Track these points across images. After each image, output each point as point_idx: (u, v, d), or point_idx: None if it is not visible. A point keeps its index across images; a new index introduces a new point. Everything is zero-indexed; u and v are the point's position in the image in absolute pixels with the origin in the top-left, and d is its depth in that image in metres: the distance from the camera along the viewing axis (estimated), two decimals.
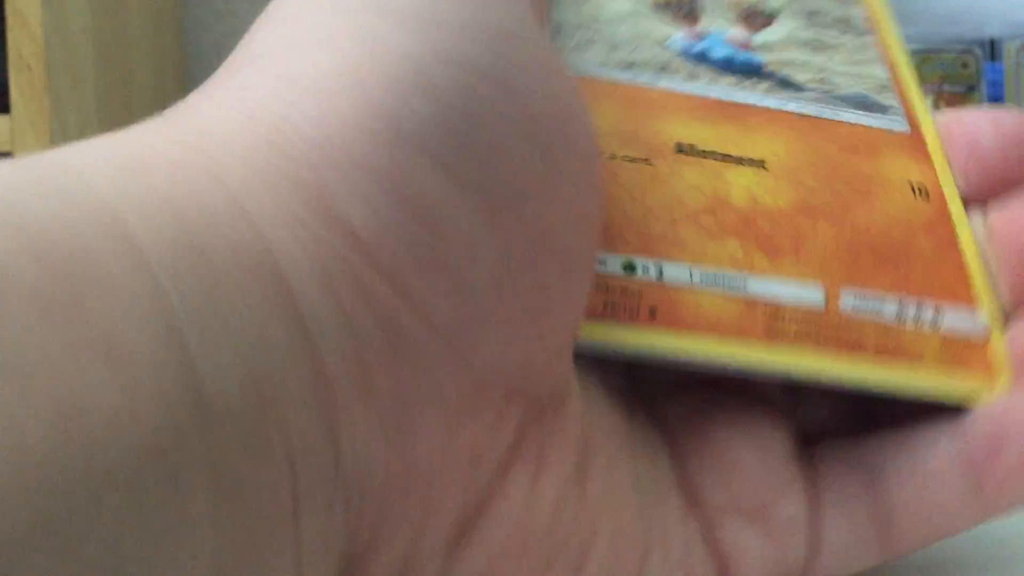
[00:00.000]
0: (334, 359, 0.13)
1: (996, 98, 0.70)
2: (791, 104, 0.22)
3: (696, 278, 0.19)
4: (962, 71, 0.68)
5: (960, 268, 0.21)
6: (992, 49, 0.70)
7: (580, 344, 0.17)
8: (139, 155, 0.13)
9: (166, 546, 0.11)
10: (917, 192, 0.22)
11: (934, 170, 0.22)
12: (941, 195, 0.22)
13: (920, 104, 0.23)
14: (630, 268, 0.19)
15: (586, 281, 0.16)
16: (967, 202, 0.22)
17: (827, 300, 0.19)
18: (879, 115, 0.23)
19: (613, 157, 0.20)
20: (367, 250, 0.13)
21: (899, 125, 0.23)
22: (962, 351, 0.20)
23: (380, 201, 0.13)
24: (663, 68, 0.22)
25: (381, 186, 0.13)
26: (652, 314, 0.19)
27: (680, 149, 0.21)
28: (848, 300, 0.19)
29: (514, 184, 0.15)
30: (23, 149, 0.50)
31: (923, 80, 0.65)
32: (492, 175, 0.14)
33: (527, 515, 0.15)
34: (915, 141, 0.22)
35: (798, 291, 0.19)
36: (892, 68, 0.24)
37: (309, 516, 0.12)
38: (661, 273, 0.19)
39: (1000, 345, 0.20)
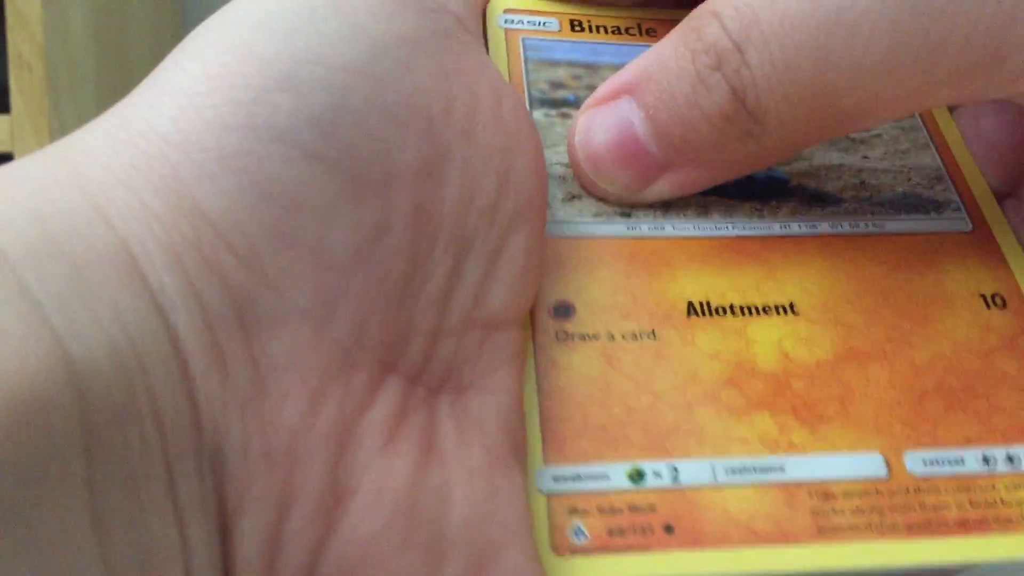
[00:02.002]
0: (186, 332, 0.14)
1: None
2: (823, 225, 0.19)
3: (721, 474, 0.16)
4: None
5: None
6: None
7: None
8: (10, 177, 0.14)
9: (45, 502, 0.11)
10: (991, 302, 0.18)
11: (1010, 270, 0.19)
12: (1023, 299, 0.19)
13: (983, 190, 0.20)
14: (638, 476, 0.16)
15: (479, 264, 0.16)
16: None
17: (889, 468, 0.16)
18: (934, 215, 0.20)
19: (611, 337, 0.17)
20: (218, 230, 0.14)
21: (960, 223, 0.20)
22: None
23: (230, 184, 0.14)
24: (667, 209, 0.19)
25: (232, 171, 0.14)
26: (669, 531, 0.15)
27: (692, 311, 0.18)
28: (916, 463, 0.16)
29: (382, 169, 0.15)
30: (23, 149, 0.50)
31: None
32: (357, 160, 0.15)
33: (411, 496, 0.15)
34: (981, 238, 0.19)
35: (852, 464, 0.16)
36: (944, 151, 0.21)
37: (183, 480, 0.13)
38: (677, 476, 0.16)
39: None
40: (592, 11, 0.22)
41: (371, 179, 0.15)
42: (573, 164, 0.20)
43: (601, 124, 0.19)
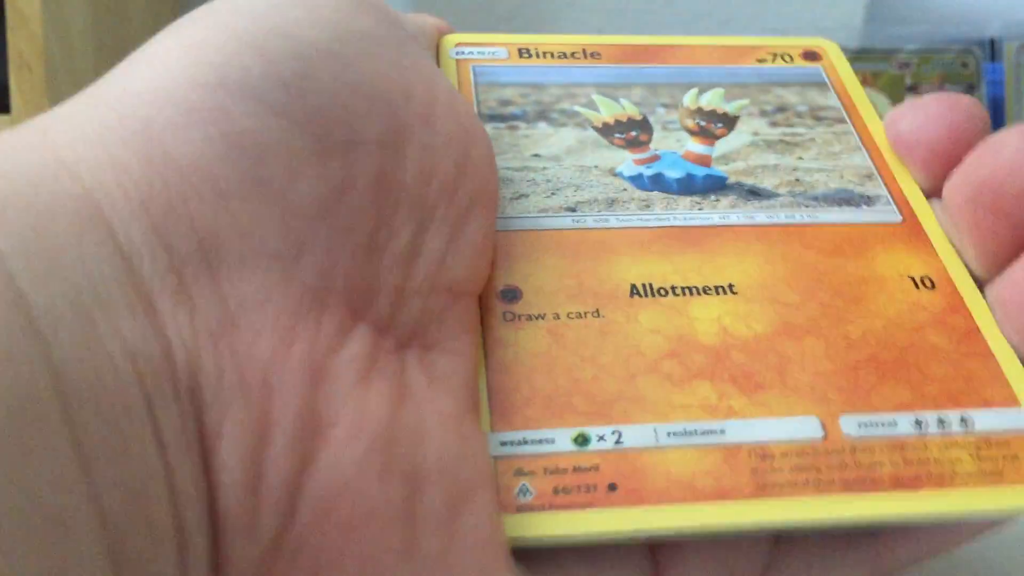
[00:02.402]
0: (151, 276, 0.14)
1: (996, 98, 0.70)
2: (760, 216, 0.20)
3: (663, 437, 0.17)
4: (962, 71, 0.68)
5: (985, 358, 0.18)
6: (992, 49, 0.70)
7: (523, 542, 0.16)
8: None
9: (27, 444, 0.12)
10: (920, 284, 0.19)
11: (938, 257, 0.20)
12: (950, 282, 0.19)
13: (911, 187, 0.21)
14: (583, 440, 0.17)
15: (440, 235, 0.17)
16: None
17: (826, 431, 0.17)
18: (866, 208, 0.21)
19: (557, 317, 0.18)
20: (187, 177, 0.15)
21: (890, 215, 0.20)
22: (1003, 459, 0.17)
23: (201, 134, 0.15)
24: (611, 203, 0.20)
25: (203, 123, 0.15)
26: (612, 489, 0.16)
27: (634, 292, 0.18)
28: (851, 426, 0.17)
29: (346, 133, 0.16)
30: None
31: (923, 80, 0.65)
32: (324, 123, 0.16)
33: (388, 430, 0.15)
34: (911, 229, 0.20)
35: (789, 427, 0.17)
36: (875, 154, 0.22)
37: (162, 410, 0.14)
38: (620, 439, 0.17)
39: None
40: (539, 40, 0.24)
41: (336, 140, 0.16)
42: None
43: None
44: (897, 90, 0.63)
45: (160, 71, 0.16)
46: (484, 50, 0.24)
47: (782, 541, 0.19)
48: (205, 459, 0.14)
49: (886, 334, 0.18)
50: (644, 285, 0.19)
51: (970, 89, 0.71)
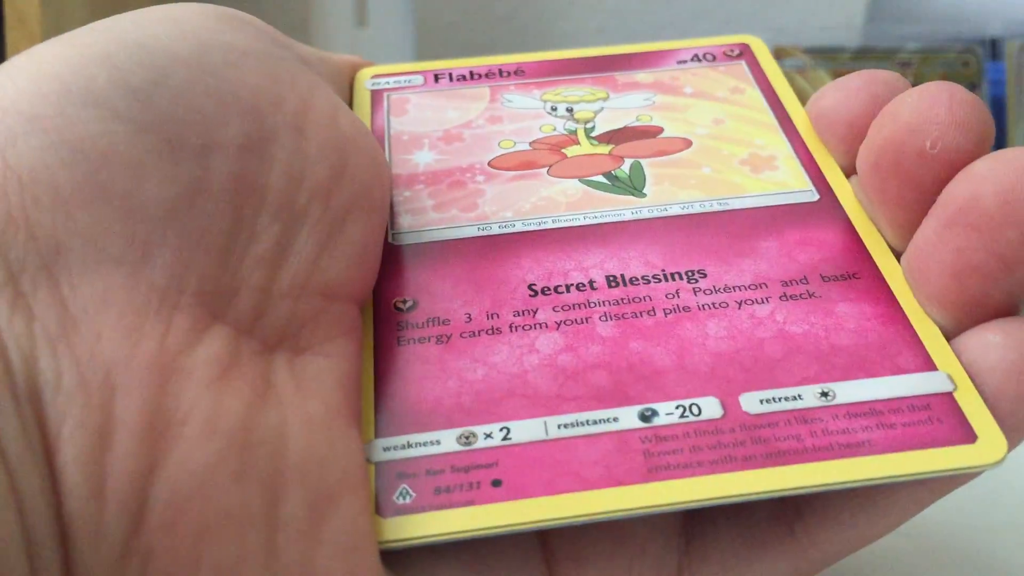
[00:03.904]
0: None
1: (998, 97, 0.69)
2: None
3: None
4: (963, 70, 0.67)
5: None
6: (993, 48, 0.70)
7: (395, 544, 0.15)
8: None
9: None
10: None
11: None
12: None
13: (830, 166, 0.21)
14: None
15: (312, 238, 0.17)
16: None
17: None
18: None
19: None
20: (25, 185, 0.15)
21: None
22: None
23: (40, 142, 0.15)
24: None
25: (43, 131, 0.15)
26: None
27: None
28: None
29: (200, 137, 0.16)
30: None
31: (924, 79, 0.65)
32: (175, 127, 0.16)
33: (245, 430, 0.15)
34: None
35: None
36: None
37: (2, 416, 0.13)
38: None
39: (972, 397, 0.16)
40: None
41: (188, 144, 0.16)
42: None
43: None
44: None
45: (3, 81, 0.16)
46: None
47: (694, 543, 0.18)
48: (48, 464, 0.14)
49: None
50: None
51: (972, 88, 0.71)
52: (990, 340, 0.17)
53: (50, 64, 0.16)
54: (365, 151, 0.18)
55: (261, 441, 0.15)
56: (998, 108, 0.72)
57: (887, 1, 0.69)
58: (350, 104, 0.23)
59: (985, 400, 0.16)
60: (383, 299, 0.19)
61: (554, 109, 0.23)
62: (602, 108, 0.23)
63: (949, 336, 0.18)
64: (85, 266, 0.15)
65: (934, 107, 0.18)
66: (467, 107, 0.23)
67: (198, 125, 0.16)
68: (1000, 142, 0.64)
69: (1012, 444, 0.16)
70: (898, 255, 0.19)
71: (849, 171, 0.21)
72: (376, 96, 0.24)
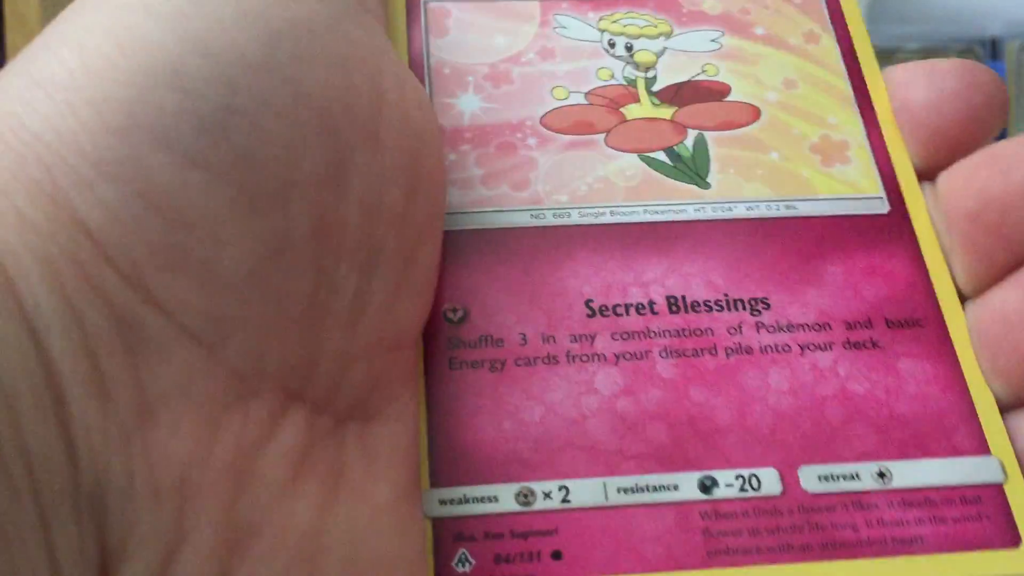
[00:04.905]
0: (61, 355, 0.12)
1: None
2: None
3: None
4: None
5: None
6: (993, 48, 0.70)
7: None
8: None
9: None
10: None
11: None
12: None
13: (905, 168, 0.19)
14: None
15: (388, 279, 0.15)
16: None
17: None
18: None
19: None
20: (99, 246, 0.13)
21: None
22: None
23: (111, 194, 0.13)
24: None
25: (113, 179, 0.13)
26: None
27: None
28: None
29: (279, 175, 0.14)
30: None
31: None
32: (251, 168, 0.13)
33: (317, 537, 0.13)
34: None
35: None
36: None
37: (59, 528, 0.12)
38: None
39: (1021, 492, 0.16)
40: None
41: (267, 190, 0.14)
42: None
43: None
44: None
45: (61, 105, 0.13)
46: None
47: None
48: None
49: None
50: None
51: None
52: None
53: (111, 81, 0.13)
54: (433, 150, 0.16)
55: (332, 548, 0.13)
56: None
57: (887, 1, 0.69)
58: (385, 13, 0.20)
59: None
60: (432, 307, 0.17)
61: (612, 44, 0.20)
62: (664, 49, 0.20)
63: (1003, 408, 0.17)
64: (161, 344, 0.13)
65: None
66: (516, 30, 0.20)
67: (274, 161, 0.14)
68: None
69: None
70: (962, 297, 0.18)
71: (923, 174, 0.19)
72: (412, 5, 0.20)
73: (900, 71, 0.19)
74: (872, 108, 0.20)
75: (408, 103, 0.16)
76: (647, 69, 0.20)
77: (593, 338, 0.17)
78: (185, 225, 0.13)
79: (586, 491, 0.15)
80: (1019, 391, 0.17)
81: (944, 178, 0.18)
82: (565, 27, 0.21)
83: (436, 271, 0.16)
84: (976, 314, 0.17)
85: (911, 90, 0.19)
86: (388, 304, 0.15)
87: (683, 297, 0.17)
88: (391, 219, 0.15)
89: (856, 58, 0.21)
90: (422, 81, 0.19)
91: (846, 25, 0.21)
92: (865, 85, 0.20)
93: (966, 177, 0.18)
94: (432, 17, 0.20)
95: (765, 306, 0.17)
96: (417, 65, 0.20)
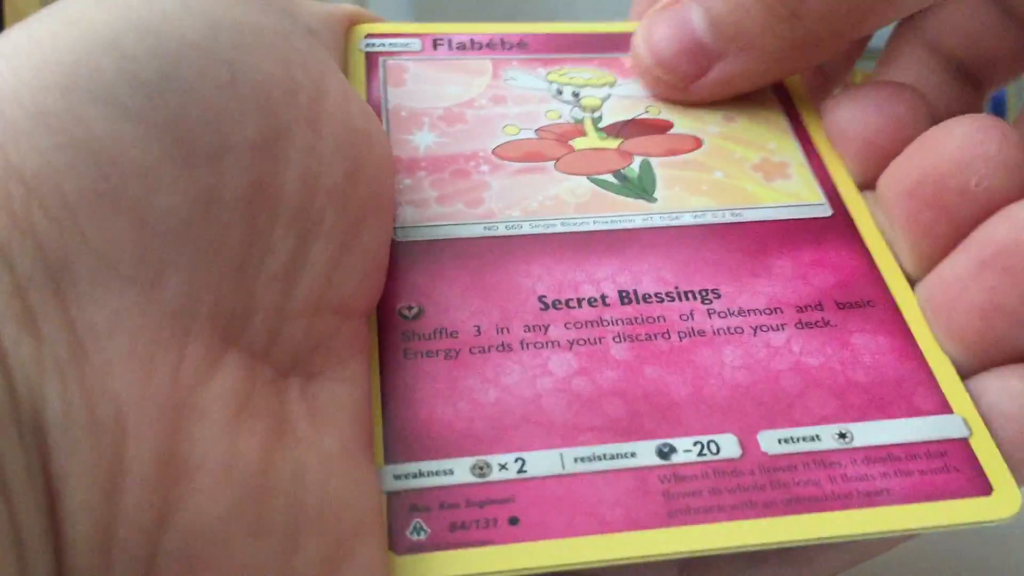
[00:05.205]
0: None
1: (997, 97, 0.69)
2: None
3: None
4: None
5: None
6: None
7: None
8: None
9: None
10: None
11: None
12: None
13: (844, 179, 0.20)
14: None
15: (327, 248, 0.16)
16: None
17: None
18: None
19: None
20: (32, 189, 0.13)
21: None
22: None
23: (46, 142, 0.14)
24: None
25: (49, 129, 0.14)
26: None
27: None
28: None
29: (215, 138, 0.15)
30: None
31: None
32: (188, 127, 0.14)
33: (263, 475, 0.13)
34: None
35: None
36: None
37: (7, 451, 0.12)
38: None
39: (988, 445, 0.16)
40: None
41: (202, 147, 0.14)
42: (634, 58, 0.21)
43: (663, 20, 0.21)
44: None
45: (3, 69, 0.14)
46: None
47: (695, 560, 0.17)
48: (51, 509, 0.12)
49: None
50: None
51: None
52: (1013, 387, 0.16)
53: (53, 50, 0.14)
54: (377, 145, 0.17)
55: (278, 487, 0.13)
56: (998, 107, 0.72)
57: None
58: (343, 67, 0.21)
59: (1000, 448, 0.16)
60: (386, 304, 0.17)
61: (560, 92, 0.22)
62: (609, 95, 0.22)
63: (964, 374, 0.17)
64: (94, 285, 0.13)
65: (985, 144, 0.17)
66: (469, 82, 0.22)
67: (211, 124, 0.15)
68: None
69: None
70: (912, 281, 0.19)
71: (862, 186, 0.20)
72: (371, 61, 0.22)
73: (829, 101, 0.21)
74: (808, 136, 0.21)
75: (351, 109, 0.17)
76: (593, 111, 0.21)
77: (547, 328, 0.17)
78: (119, 172, 0.14)
79: (542, 461, 0.15)
80: (976, 352, 0.17)
81: (883, 176, 0.19)
82: (515, 79, 0.22)
83: (383, 255, 0.17)
84: (927, 288, 0.18)
85: (839, 112, 0.20)
86: (327, 272, 0.16)
87: (634, 291, 0.18)
88: (331, 195, 0.16)
89: (791, 96, 0.22)
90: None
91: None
92: (800, 116, 0.22)
93: (902, 163, 0.18)
94: (390, 71, 0.22)
95: (716, 296, 0.18)
96: (376, 109, 0.21)
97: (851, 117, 0.20)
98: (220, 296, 0.14)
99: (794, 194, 0.20)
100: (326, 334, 0.16)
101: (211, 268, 0.14)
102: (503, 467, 0.15)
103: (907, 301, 0.18)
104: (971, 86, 0.24)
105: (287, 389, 0.15)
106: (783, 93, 0.22)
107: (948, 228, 0.18)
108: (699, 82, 0.21)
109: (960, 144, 0.18)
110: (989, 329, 0.17)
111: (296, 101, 0.16)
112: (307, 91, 0.16)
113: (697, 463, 0.15)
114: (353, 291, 0.16)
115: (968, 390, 0.17)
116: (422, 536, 0.15)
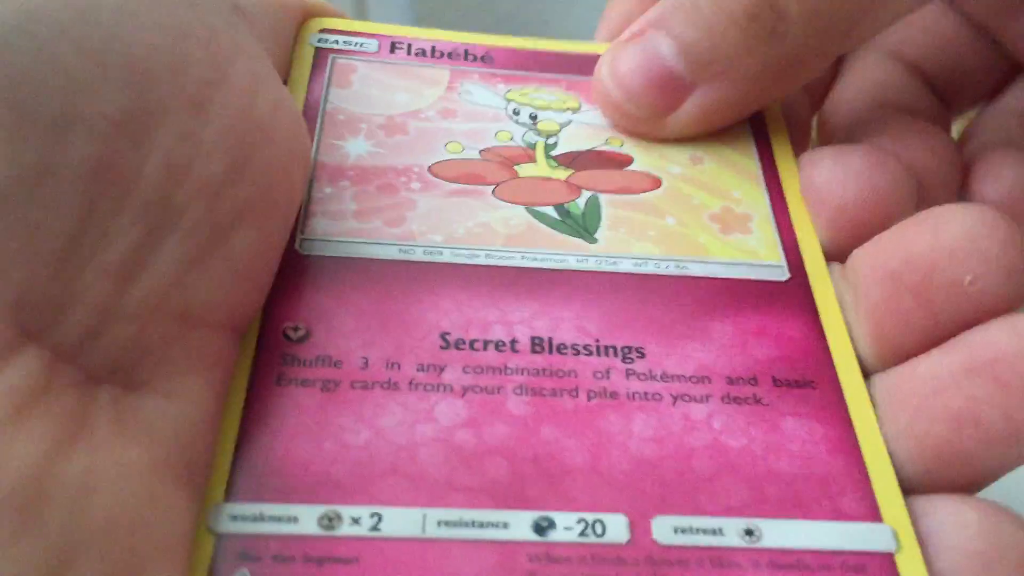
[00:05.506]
0: None
1: None
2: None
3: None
4: None
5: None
6: None
7: None
8: None
9: None
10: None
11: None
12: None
13: (810, 242, 0.18)
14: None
15: (184, 246, 0.14)
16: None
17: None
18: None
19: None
20: None
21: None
22: None
23: None
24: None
25: None
26: None
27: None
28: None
29: (60, 107, 0.13)
30: None
31: None
32: (30, 89, 0.13)
33: (37, 483, 0.12)
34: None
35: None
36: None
37: None
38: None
39: (915, 566, 0.14)
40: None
41: (41, 114, 0.13)
42: (598, 93, 0.20)
43: (629, 53, 0.19)
44: None
45: None
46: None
47: None
48: None
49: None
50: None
51: None
52: (965, 516, 0.14)
53: None
54: (278, 143, 0.15)
55: (55, 496, 0.12)
56: None
57: None
58: (288, 60, 0.20)
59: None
60: (273, 321, 0.16)
61: (516, 112, 0.20)
62: (570, 121, 0.20)
63: (908, 487, 0.15)
64: None
65: (988, 239, 0.16)
66: (420, 91, 0.20)
67: (61, 89, 0.13)
68: None
69: None
70: (866, 370, 0.17)
71: (830, 257, 0.18)
72: (320, 57, 0.20)
73: (808, 153, 0.19)
74: (780, 185, 0.19)
75: (258, 99, 0.15)
76: (548, 136, 0.20)
77: (442, 369, 0.15)
78: None
79: (401, 520, 0.14)
80: (932, 464, 0.15)
81: (860, 250, 0.17)
82: (470, 93, 0.20)
83: (262, 264, 0.15)
84: (890, 381, 0.16)
85: (818, 169, 0.19)
86: (178, 273, 0.14)
87: (550, 339, 0.16)
88: (201, 189, 0.14)
89: (768, 138, 0.20)
90: (312, 124, 0.19)
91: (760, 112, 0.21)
92: (775, 163, 0.20)
93: (887, 241, 0.17)
94: (337, 70, 0.20)
95: (639, 355, 0.16)
96: (312, 108, 0.19)
97: (828, 180, 0.18)
98: (29, 283, 0.13)
99: (751, 251, 0.18)
100: (160, 342, 0.14)
101: (23, 251, 0.13)
102: (355, 521, 0.14)
103: (855, 389, 0.16)
104: (939, 99, 0.23)
105: (96, 395, 0.13)
106: (761, 134, 0.20)
107: (928, 322, 0.16)
108: (673, 115, 0.19)
109: (958, 234, 0.16)
110: (957, 441, 0.15)
111: (181, 80, 0.14)
112: (200, 71, 0.14)
113: (576, 544, 0.14)
114: (208, 298, 0.14)
115: (908, 505, 0.15)
116: None
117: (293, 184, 0.16)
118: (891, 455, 0.15)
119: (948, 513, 0.15)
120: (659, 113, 0.19)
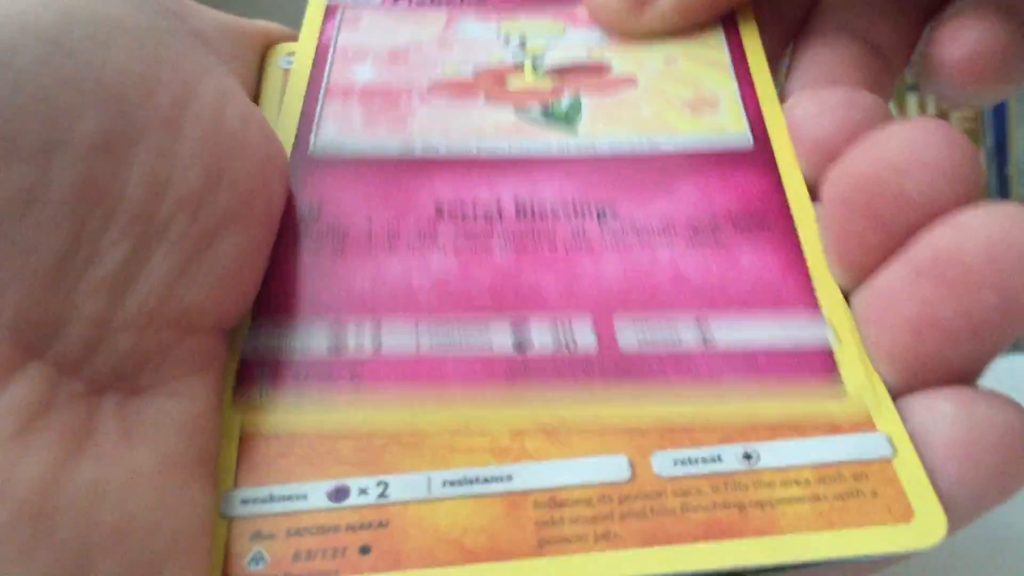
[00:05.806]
0: None
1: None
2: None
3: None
4: None
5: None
6: None
7: None
8: None
9: None
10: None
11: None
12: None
13: (771, 106, 0.20)
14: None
15: (172, 256, 0.15)
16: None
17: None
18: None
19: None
20: None
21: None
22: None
23: None
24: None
25: None
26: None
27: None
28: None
29: (44, 133, 0.14)
30: None
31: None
32: (13, 120, 0.13)
33: (48, 493, 0.13)
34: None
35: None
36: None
37: None
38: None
39: (913, 467, 0.14)
40: None
41: (27, 141, 0.13)
42: None
43: None
44: (899, 89, 0.62)
45: None
46: None
47: None
48: None
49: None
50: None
51: None
52: (940, 408, 0.15)
53: None
54: (252, 152, 0.16)
55: (66, 505, 0.12)
56: (998, 109, 0.71)
57: None
58: (256, 83, 0.21)
59: (927, 473, 0.15)
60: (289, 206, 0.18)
61: (507, 41, 0.22)
62: (556, 43, 0.22)
63: (895, 395, 0.16)
64: None
65: (926, 147, 0.16)
66: (420, 30, 0.22)
67: (43, 117, 0.14)
68: (1001, 143, 0.63)
69: (952, 527, 0.14)
70: (843, 291, 0.17)
71: (814, 193, 0.19)
72: (330, 10, 0.22)
73: (793, 97, 0.20)
74: (748, 72, 0.21)
75: (226, 113, 0.16)
76: (536, 56, 0.22)
77: (437, 235, 0.17)
78: None
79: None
80: (907, 372, 0.16)
81: (823, 182, 0.18)
82: (466, 29, 0.23)
83: (248, 267, 0.16)
84: (859, 302, 0.17)
85: (798, 108, 0.19)
86: (168, 282, 0.15)
87: (531, 206, 0.18)
88: (182, 202, 0.15)
89: (740, 38, 0.22)
90: (324, 61, 0.21)
91: (735, 22, 0.22)
92: (744, 54, 0.21)
93: (840, 168, 0.17)
94: (346, 17, 0.22)
95: (612, 212, 0.18)
96: (324, 48, 0.21)
97: (804, 116, 0.19)
98: (28, 302, 0.13)
99: (718, 127, 0.19)
100: (159, 348, 0.15)
101: (20, 271, 0.13)
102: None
103: (807, 225, 0.17)
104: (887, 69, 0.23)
105: (99, 404, 0.14)
106: (732, 32, 0.22)
107: (882, 238, 0.16)
108: (650, 8, 0.20)
109: (899, 148, 0.16)
110: (920, 345, 0.15)
111: (154, 101, 0.15)
112: (171, 91, 0.15)
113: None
114: (200, 304, 0.15)
115: (900, 412, 0.15)
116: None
117: (272, 190, 0.17)
118: (875, 371, 0.16)
119: (923, 408, 0.15)
120: (638, 2, 0.20)
